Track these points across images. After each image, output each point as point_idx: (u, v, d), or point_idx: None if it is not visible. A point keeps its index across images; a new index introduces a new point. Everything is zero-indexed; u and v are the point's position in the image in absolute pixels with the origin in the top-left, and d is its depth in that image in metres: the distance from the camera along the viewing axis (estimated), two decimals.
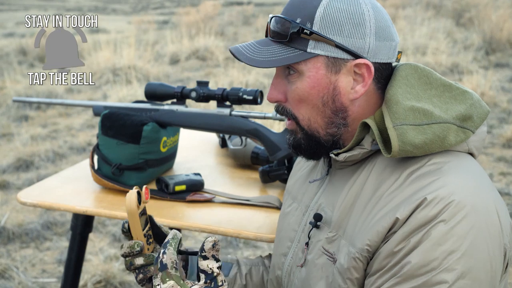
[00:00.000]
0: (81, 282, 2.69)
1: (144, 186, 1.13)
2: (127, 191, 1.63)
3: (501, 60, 7.83)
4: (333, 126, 1.04)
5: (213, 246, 0.86)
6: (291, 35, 1.00)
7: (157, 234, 1.20)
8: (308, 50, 1.00)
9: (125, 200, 1.09)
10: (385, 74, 1.04)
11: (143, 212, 1.13)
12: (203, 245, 0.86)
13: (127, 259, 1.13)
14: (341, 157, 1.05)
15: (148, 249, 1.14)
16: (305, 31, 0.99)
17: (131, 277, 2.90)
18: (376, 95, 1.05)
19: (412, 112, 0.97)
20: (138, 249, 1.10)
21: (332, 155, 1.07)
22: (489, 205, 0.93)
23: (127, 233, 1.13)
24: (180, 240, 0.90)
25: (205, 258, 0.86)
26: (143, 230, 1.12)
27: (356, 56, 1.00)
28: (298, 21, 1.00)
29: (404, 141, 0.95)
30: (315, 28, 0.99)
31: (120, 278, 2.86)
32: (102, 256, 3.11)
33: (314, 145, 1.07)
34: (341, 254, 1.01)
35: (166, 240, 0.88)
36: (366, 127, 1.03)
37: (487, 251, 0.90)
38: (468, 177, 0.95)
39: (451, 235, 0.88)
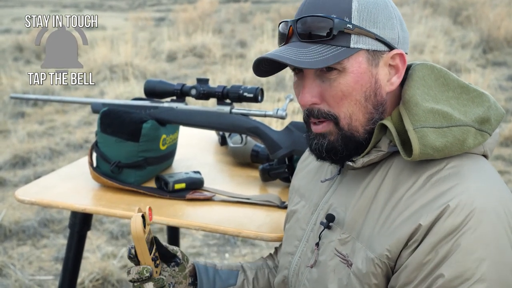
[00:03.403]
0: (78, 280, 2.67)
1: (147, 207, 1.10)
2: (126, 189, 1.64)
3: (498, 59, 7.84)
4: (371, 123, 1.01)
5: None
6: (336, 32, 0.96)
7: (163, 254, 1.18)
8: (351, 45, 0.96)
9: (130, 225, 1.05)
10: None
11: (149, 234, 1.10)
12: None
13: (135, 284, 1.10)
14: (359, 163, 1.03)
15: (156, 272, 1.11)
16: (348, 25, 0.96)
17: None
18: (398, 90, 1.04)
19: (432, 114, 0.96)
20: (148, 275, 1.07)
21: (349, 163, 1.04)
22: (510, 207, 0.93)
23: (134, 258, 1.10)
24: None
25: None
26: (150, 254, 1.09)
27: (390, 47, 1.00)
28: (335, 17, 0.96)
29: (425, 144, 0.93)
30: (354, 22, 0.97)
31: (118, 275, 2.85)
32: (99, 253, 3.10)
33: (351, 146, 1.02)
34: (358, 258, 0.99)
35: None
36: (382, 129, 1.01)
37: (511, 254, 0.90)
38: (487, 181, 0.94)
39: (480, 243, 0.87)
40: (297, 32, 1.00)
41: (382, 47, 0.99)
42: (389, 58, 1.00)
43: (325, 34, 0.97)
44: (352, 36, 0.96)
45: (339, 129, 1.01)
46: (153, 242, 1.13)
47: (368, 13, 0.97)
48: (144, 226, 1.06)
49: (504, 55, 8.02)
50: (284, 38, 1.03)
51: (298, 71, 1.04)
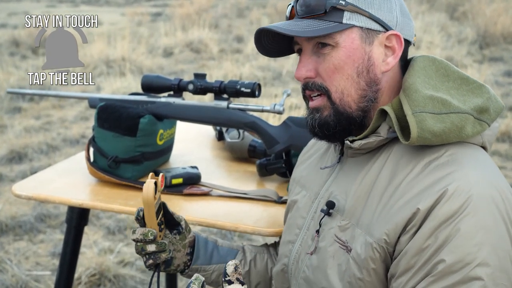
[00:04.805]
0: (75, 275, 2.68)
1: (161, 174, 1.16)
2: (124, 184, 1.64)
3: (495, 54, 7.84)
4: (365, 100, 1.04)
5: (235, 269, 0.83)
6: (328, 7, 1.00)
7: (168, 220, 1.22)
8: (344, 21, 1.01)
9: (143, 189, 1.10)
10: (406, 54, 1.07)
11: (158, 200, 1.15)
12: (225, 270, 0.83)
13: (138, 244, 1.15)
14: (356, 144, 1.05)
15: (160, 236, 1.16)
16: (340, 2, 1.00)
17: (125, 270, 2.89)
18: (399, 76, 1.06)
19: (431, 100, 0.98)
20: (152, 237, 1.13)
21: (347, 142, 1.06)
22: (507, 194, 0.94)
23: (141, 220, 1.15)
24: (203, 284, 0.84)
25: (229, 282, 0.83)
26: (157, 218, 1.14)
27: (386, 28, 1.03)
28: None
29: (423, 128, 0.95)
30: (349, 0, 1.01)
31: (115, 271, 2.85)
32: (96, 249, 3.10)
33: (344, 122, 1.05)
34: (357, 243, 1.01)
35: (189, 281, 0.83)
36: (382, 115, 1.03)
37: (510, 241, 0.91)
38: (485, 169, 0.96)
39: (479, 228, 0.89)
40: (297, 11, 1.05)
41: (377, 26, 1.02)
42: (384, 38, 1.03)
43: (318, 10, 1.02)
44: (345, 12, 1.01)
45: (331, 103, 1.05)
46: (161, 208, 1.18)
47: None
48: (155, 193, 1.11)
49: (501, 51, 8.03)
50: (287, 19, 1.09)
51: (301, 51, 1.09)
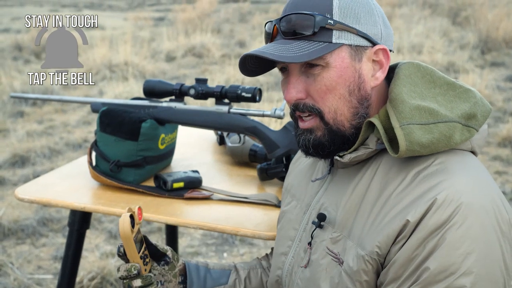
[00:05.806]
0: (77, 279, 2.69)
1: (137, 206, 1.14)
2: (125, 188, 1.65)
3: (496, 59, 7.85)
4: (357, 117, 1.02)
5: None
6: (317, 28, 0.98)
7: (153, 253, 1.22)
8: (333, 40, 0.99)
9: (119, 224, 1.09)
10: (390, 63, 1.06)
11: (138, 233, 1.13)
12: None
13: (124, 281, 1.13)
14: (347, 158, 1.04)
15: (145, 270, 1.15)
16: (329, 21, 0.98)
17: None
18: (384, 86, 1.06)
19: (418, 111, 0.97)
20: (136, 272, 1.11)
21: (337, 157, 1.06)
22: (497, 203, 0.94)
23: (123, 256, 1.13)
24: None
25: None
26: (139, 252, 1.13)
27: (373, 43, 1.02)
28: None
29: (411, 141, 0.94)
30: (336, 18, 0.99)
31: (116, 275, 2.86)
32: (98, 252, 3.11)
33: (338, 141, 1.04)
34: (349, 256, 1.00)
35: None
36: (370, 126, 1.03)
37: (500, 250, 0.90)
38: (474, 177, 0.95)
39: (466, 237, 0.88)
40: (281, 30, 1.03)
41: (365, 42, 1.01)
42: (372, 53, 1.02)
43: (307, 31, 0.99)
44: (334, 31, 0.99)
45: (325, 124, 1.03)
46: (143, 241, 1.16)
47: (349, 9, 1.00)
48: (133, 226, 1.10)
49: (503, 56, 8.04)
50: (269, 37, 1.06)
51: (285, 69, 1.07)
